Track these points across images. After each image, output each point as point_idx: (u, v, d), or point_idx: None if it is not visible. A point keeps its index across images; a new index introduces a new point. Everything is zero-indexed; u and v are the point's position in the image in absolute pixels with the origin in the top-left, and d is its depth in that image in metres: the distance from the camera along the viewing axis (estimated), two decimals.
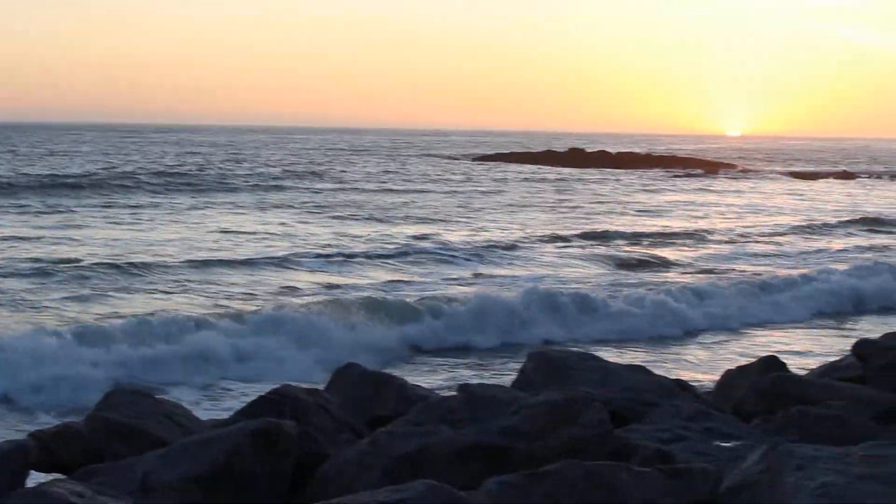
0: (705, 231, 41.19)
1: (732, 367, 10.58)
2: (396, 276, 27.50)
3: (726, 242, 37.97)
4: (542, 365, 9.18)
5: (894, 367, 9.10)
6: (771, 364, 9.89)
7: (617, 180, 74.97)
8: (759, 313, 23.25)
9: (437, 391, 10.36)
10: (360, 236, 35.99)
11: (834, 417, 7.73)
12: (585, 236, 37.74)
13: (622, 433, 7.12)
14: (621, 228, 40.74)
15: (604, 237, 37.45)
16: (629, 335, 20.96)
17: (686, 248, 35.59)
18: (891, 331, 11.35)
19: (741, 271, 30.05)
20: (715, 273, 29.54)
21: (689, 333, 21.56)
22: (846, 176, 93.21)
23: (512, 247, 33.61)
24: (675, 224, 44.10)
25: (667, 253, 33.96)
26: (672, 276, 28.95)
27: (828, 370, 10.77)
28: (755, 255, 34.57)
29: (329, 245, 33.18)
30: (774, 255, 34.67)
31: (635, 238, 37.54)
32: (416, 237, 35.79)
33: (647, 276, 28.59)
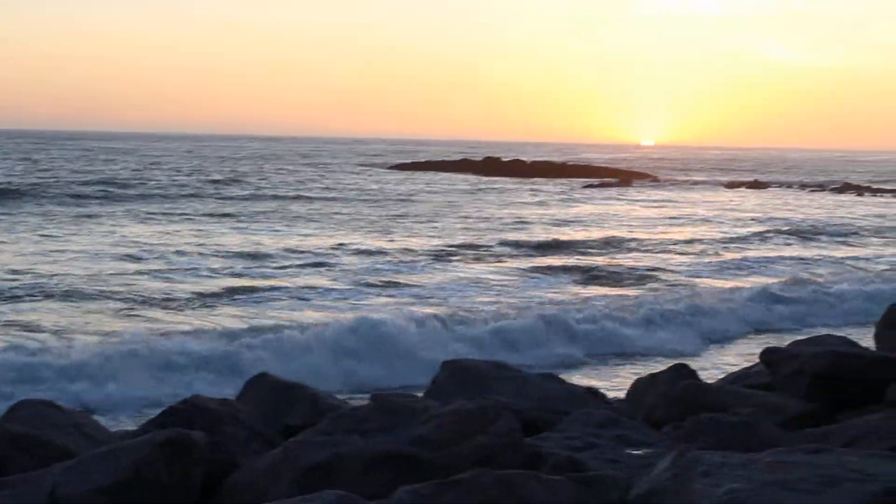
0: (622, 240, 41.53)
1: (644, 375, 10.68)
2: (315, 282, 27.52)
3: (641, 251, 38.29)
4: (455, 374, 9.20)
5: (801, 374, 9.23)
6: (681, 372, 10.00)
7: (532, 190, 75.26)
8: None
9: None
10: (270, 246, 35.74)
11: (742, 424, 7.82)
12: (504, 244, 37.92)
13: (534, 441, 7.15)
14: (533, 238, 40.87)
15: (516, 246, 37.60)
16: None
17: (603, 257, 35.77)
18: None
19: (668, 282, 30.41)
20: (640, 285, 29.72)
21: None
22: (759, 186, 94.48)
23: (420, 258, 33.60)
24: (592, 233, 44.35)
25: (587, 261, 34.19)
26: (599, 289, 29.06)
27: (737, 377, 10.92)
28: (678, 264, 34.90)
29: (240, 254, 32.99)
30: (696, 265, 35.01)
31: (550, 248, 37.68)
32: (334, 246, 35.72)
33: (574, 289, 28.67)
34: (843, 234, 47.62)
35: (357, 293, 26.28)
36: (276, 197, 60.56)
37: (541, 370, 11.22)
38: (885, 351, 10.66)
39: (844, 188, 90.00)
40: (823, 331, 19.45)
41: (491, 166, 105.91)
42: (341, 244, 36.39)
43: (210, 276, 27.97)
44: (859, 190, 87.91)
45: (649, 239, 42.69)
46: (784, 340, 16.20)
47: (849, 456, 5.99)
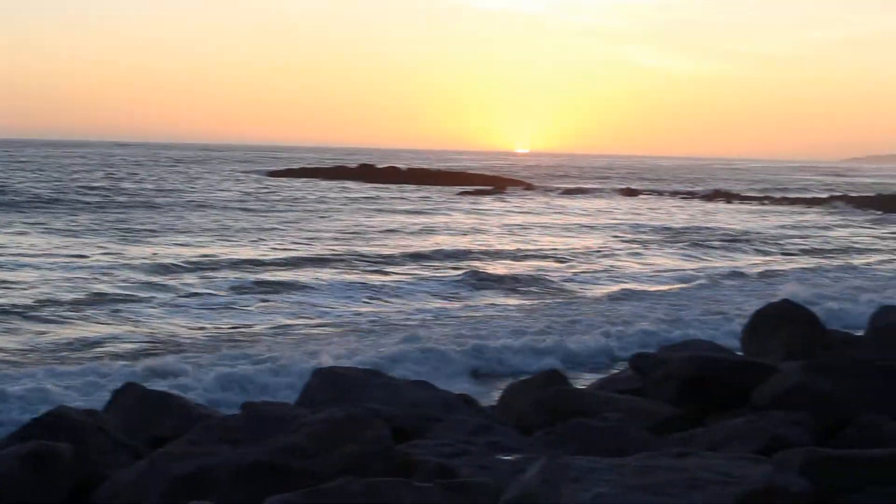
0: (495, 247, 41.75)
1: (516, 381, 10.74)
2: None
3: (516, 258, 38.51)
4: (326, 382, 9.15)
5: (670, 379, 9.37)
6: (552, 377, 10.08)
7: (401, 198, 75.03)
8: None
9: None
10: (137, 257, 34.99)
11: (611, 429, 7.91)
12: (377, 253, 37.81)
13: (405, 449, 7.14)
14: (402, 247, 40.69)
15: (386, 256, 37.28)
16: None
17: (479, 262, 35.89)
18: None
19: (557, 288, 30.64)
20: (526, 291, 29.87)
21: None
22: (631, 193, 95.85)
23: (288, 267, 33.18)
24: (463, 240, 44.44)
25: (462, 266, 34.26)
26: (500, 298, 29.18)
27: (607, 382, 11.05)
28: (552, 271, 35.15)
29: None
30: (570, 271, 35.35)
31: (424, 257, 37.60)
32: (204, 256, 35.20)
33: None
34: (701, 240, 48.49)
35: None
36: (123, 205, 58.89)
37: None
38: (751, 355, 10.87)
39: (714, 195, 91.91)
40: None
41: (367, 173, 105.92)
42: (207, 255, 35.72)
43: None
44: (728, 197, 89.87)
45: (524, 247, 42.83)
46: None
47: (714, 459, 6.10)
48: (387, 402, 8.71)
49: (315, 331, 22.86)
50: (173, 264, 32.56)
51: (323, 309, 25.69)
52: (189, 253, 36.11)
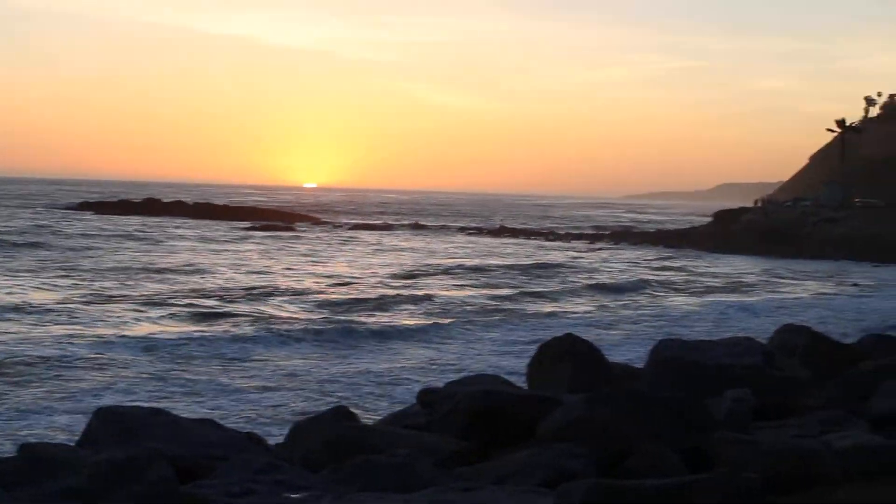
0: (272, 284, 41.45)
1: (303, 419, 10.65)
2: None
3: (286, 295, 38.34)
4: (108, 421, 8.91)
5: (456, 413, 9.43)
6: (340, 414, 10.04)
7: (172, 235, 72.95)
8: None
9: None
10: None
11: (399, 465, 7.91)
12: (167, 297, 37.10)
13: (190, 489, 7.01)
14: (185, 286, 39.96)
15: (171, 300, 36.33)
16: None
17: (270, 303, 35.56)
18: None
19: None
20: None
21: None
22: (419, 227, 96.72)
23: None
24: (245, 278, 43.88)
25: (254, 307, 33.96)
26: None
27: (395, 418, 11.06)
28: (330, 303, 35.15)
29: None
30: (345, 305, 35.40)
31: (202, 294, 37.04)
32: None
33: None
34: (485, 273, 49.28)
35: None
36: None
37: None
38: (536, 389, 11.03)
39: (501, 231, 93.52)
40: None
41: (152, 207, 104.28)
42: None
43: None
44: (514, 233, 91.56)
45: (301, 286, 42.07)
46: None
47: (500, 493, 6.18)
48: (171, 442, 8.53)
49: None
50: None
51: None
52: None
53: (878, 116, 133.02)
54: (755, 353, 12.89)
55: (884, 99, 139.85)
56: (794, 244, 71.00)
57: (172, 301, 34.43)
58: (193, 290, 37.89)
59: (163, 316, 30.85)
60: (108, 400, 18.15)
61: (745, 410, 10.69)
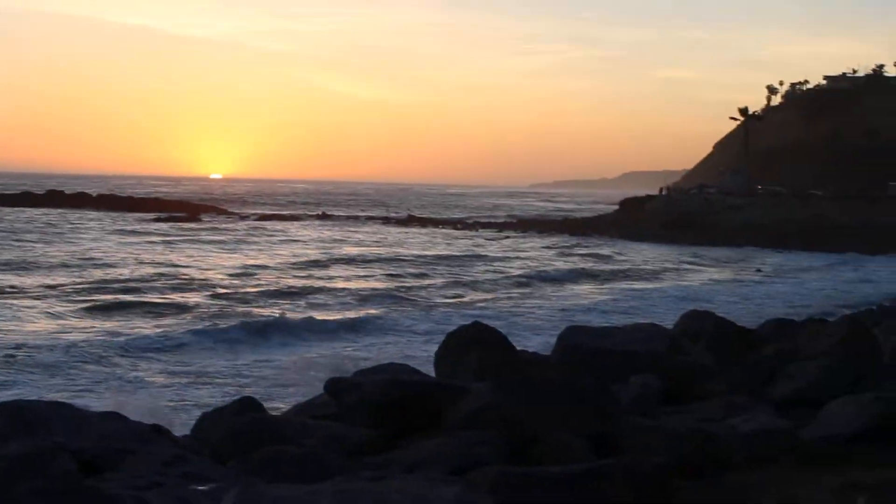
0: (176, 275, 41.12)
1: (209, 410, 10.57)
2: None
3: (195, 289, 38.08)
4: (9, 416, 8.76)
5: (364, 403, 9.40)
6: (246, 405, 9.97)
7: (77, 227, 72.13)
8: None
9: None
10: None
11: (307, 455, 7.88)
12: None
13: (95, 483, 6.91)
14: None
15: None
16: None
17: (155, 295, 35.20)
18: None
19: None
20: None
21: None
22: (326, 217, 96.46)
23: None
24: (150, 270, 43.33)
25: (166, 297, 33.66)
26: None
27: (304, 408, 11.01)
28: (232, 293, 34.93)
29: None
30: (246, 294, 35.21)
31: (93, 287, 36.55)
32: None
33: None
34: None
35: None
36: None
37: None
38: (444, 377, 11.05)
39: (409, 220, 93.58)
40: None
41: (54, 199, 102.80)
42: None
43: None
44: (423, 222, 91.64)
45: (206, 277, 41.79)
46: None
47: (409, 481, 6.17)
48: (76, 435, 8.41)
49: None
50: None
51: None
52: None
53: (779, 105, 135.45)
54: (661, 339, 13.05)
55: (785, 88, 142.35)
56: (699, 231, 71.96)
57: (74, 294, 33.93)
58: (96, 283, 37.33)
59: (65, 310, 30.41)
60: (8, 395, 17.84)
61: (652, 396, 10.83)
